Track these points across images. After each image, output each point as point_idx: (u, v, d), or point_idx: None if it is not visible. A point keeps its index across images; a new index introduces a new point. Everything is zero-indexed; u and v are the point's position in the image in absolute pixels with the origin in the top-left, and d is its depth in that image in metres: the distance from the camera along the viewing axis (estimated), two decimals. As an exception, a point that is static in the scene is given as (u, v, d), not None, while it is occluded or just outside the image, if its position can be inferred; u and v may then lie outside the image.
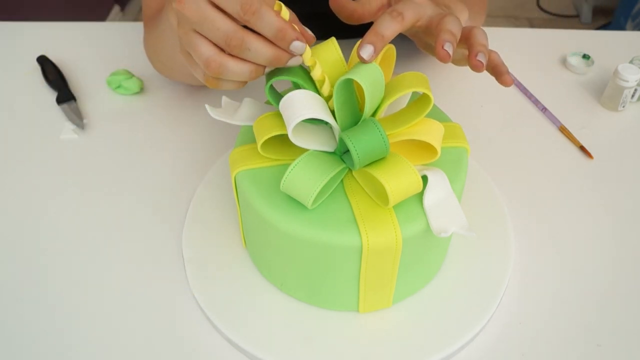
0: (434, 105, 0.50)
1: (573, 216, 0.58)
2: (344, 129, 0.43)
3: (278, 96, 0.44)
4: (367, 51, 0.40)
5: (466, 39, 0.44)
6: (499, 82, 0.45)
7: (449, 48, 0.41)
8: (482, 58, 0.43)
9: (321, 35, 0.72)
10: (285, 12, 0.40)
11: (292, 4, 0.49)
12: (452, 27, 0.42)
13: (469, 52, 0.43)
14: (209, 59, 0.40)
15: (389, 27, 0.41)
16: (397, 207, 0.42)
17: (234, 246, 0.53)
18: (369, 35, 0.41)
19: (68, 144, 0.66)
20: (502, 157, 0.64)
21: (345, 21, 0.48)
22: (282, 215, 0.42)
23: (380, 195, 0.42)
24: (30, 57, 0.77)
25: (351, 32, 0.78)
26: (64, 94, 0.70)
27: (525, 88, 0.72)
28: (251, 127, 0.48)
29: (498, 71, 0.45)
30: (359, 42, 0.41)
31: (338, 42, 0.43)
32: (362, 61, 0.40)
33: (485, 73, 0.75)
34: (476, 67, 0.43)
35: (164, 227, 0.56)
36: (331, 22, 0.71)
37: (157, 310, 0.50)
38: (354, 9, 0.47)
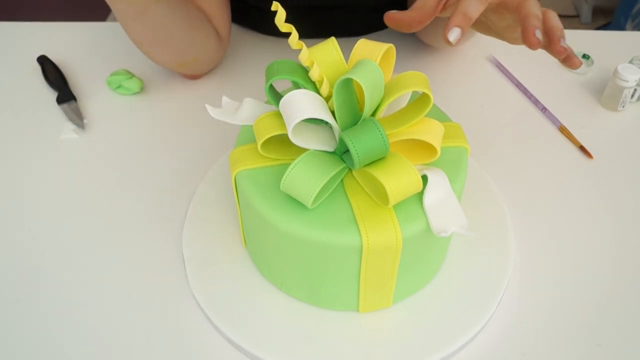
0: (434, 105, 0.50)
1: (573, 216, 0.58)
2: (343, 128, 0.43)
3: (278, 96, 0.44)
4: (454, 34, 0.40)
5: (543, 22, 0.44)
6: (567, 65, 0.45)
7: (539, 35, 0.41)
8: (564, 44, 0.43)
9: (317, 30, 0.72)
10: (282, 12, 0.40)
11: None
12: (537, 11, 0.42)
13: (550, 39, 0.43)
14: None
15: (475, 8, 0.41)
16: (397, 207, 0.42)
17: (234, 246, 0.53)
18: (456, 17, 0.40)
19: (68, 144, 0.66)
20: (502, 157, 0.64)
21: (407, 31, 0.46)
22: (282, 215, 0.42)
23: (380, 195, 0.42)
24: (31, 57, 0.77)
25: (348, 27, 0.77)
26: (64, 94, 0.70)
27: (525, 88, 0.72)
28: (251, 127, 0.48)
29: (566, 56, 0.45)
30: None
31: (337, 41, 0.43)
32: (448, 44, 0.40)
33: (483, 72, 0.75)
34: (559, 53, 0.43)
35: (164, 226, 0.56)
36: (326, 16, 0.71)
37: (157, 310, 0.50)
38: (412, 17, 0.45)
